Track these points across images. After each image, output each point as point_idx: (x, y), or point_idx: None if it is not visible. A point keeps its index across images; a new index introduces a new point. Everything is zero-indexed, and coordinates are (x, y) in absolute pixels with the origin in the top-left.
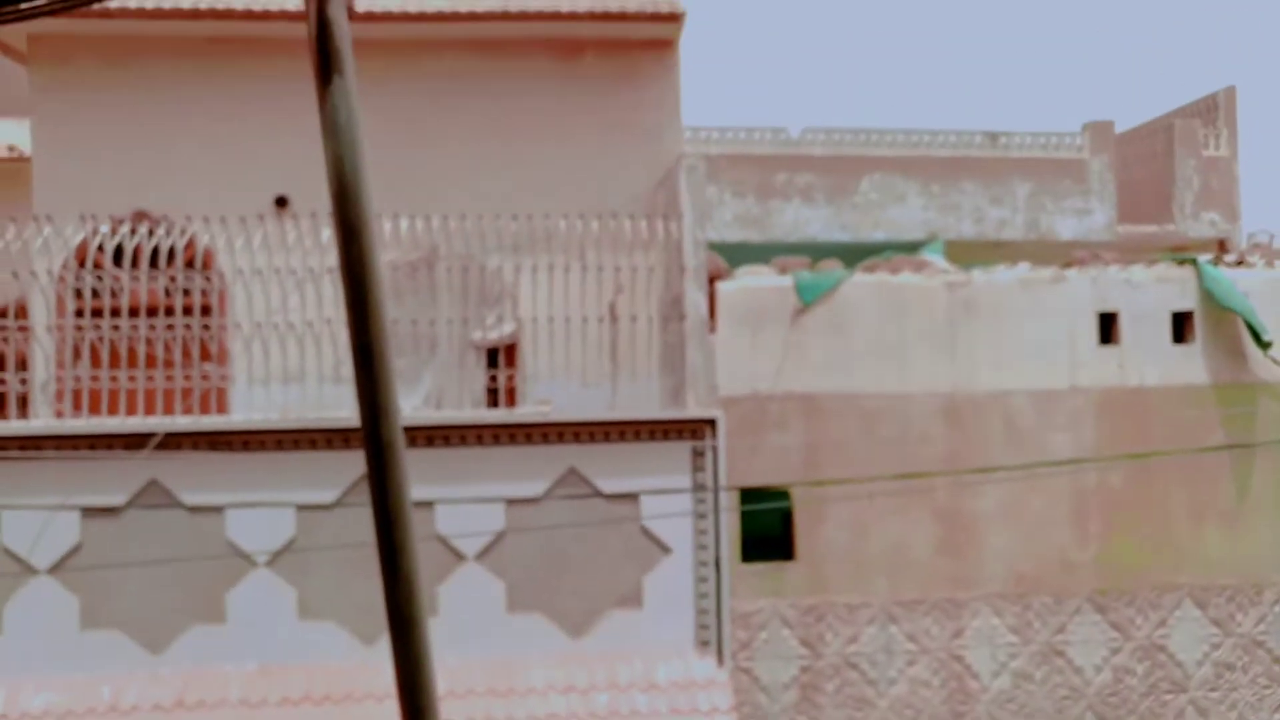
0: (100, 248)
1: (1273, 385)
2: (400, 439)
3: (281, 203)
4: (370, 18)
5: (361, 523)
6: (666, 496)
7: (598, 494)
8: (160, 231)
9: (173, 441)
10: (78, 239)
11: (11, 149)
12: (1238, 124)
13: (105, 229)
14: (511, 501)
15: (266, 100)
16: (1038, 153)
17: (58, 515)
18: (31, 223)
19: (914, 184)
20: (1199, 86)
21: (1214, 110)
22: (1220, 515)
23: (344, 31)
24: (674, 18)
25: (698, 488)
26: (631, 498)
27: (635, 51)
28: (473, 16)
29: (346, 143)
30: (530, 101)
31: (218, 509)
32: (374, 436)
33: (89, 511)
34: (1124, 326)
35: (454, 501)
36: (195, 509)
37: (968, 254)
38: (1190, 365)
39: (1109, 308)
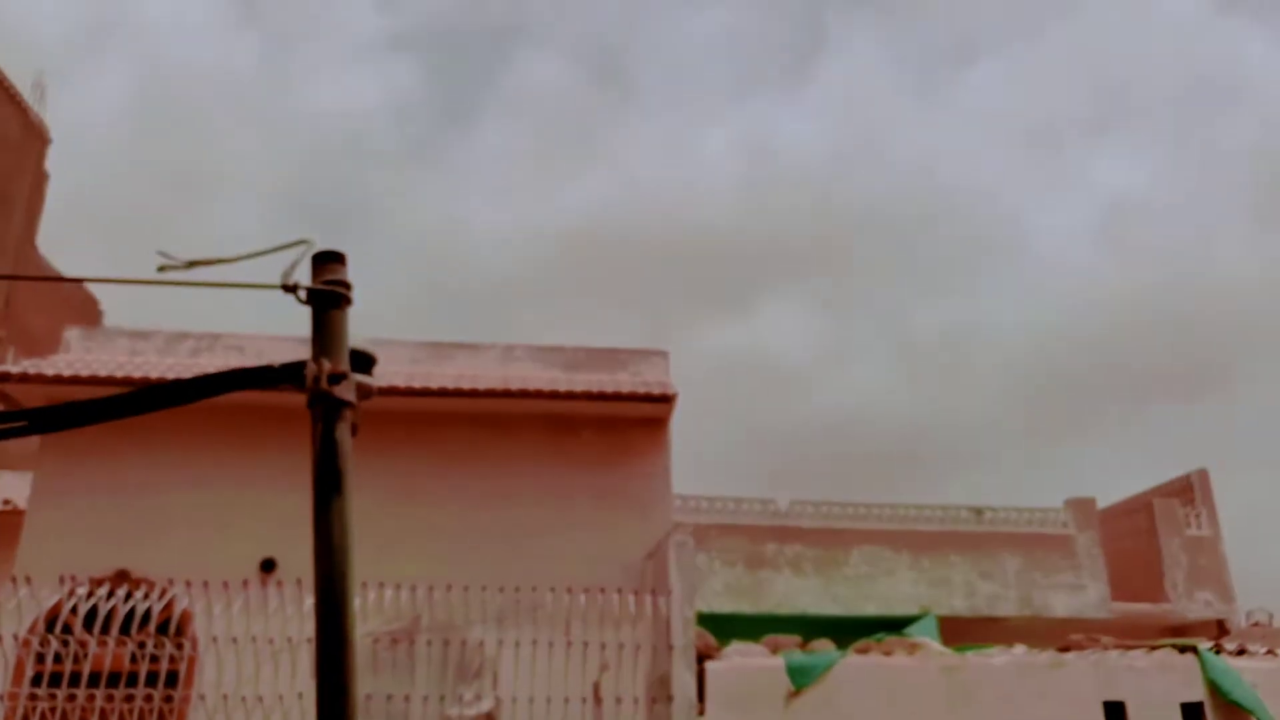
0: (73, 610)
1: None
2: None
3: (268, 566)
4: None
5: None
6: None
7: None
8: (138, 594)
9: None
10: (51, 600)
11: (7, 502)
12: (1215, 504)
13: (82, 590)
14: None
15: (260, 463)
16: (1023, 528)
17: None
18: (8, 583)
19: (904, 557)
20: (1171, 467)
21: (1189, 490)
22: None
23: (347, 452)
24: (667, 399)
25: None
26: None
27: (629, 429)
28: (474, 393)
29: (338, 562)
30: (526, 473)
31: None
32: None
33: None
34: (1133, 718)
35: None
36: None
37: (962, 630)
38: None
39: (1115, 696)
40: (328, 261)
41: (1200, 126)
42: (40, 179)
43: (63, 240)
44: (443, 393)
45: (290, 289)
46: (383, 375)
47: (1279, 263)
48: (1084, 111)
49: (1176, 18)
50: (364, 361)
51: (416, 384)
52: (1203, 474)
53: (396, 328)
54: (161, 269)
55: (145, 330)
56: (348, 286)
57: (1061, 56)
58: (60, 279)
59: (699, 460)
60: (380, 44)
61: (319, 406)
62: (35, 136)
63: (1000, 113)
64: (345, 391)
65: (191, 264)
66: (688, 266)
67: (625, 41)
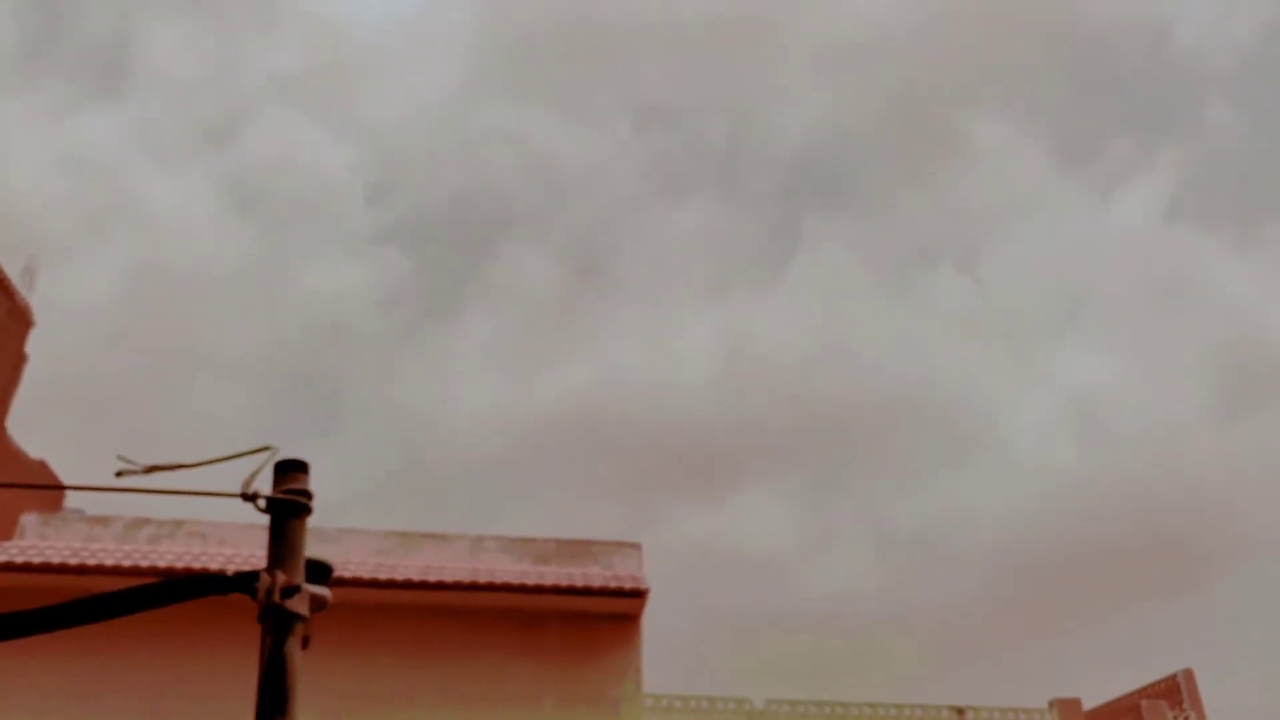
0: None
1: None
2: None
3: None
4: (337, 581)
5: None
6: None
7: None
8: None
9: None
10: None
11: None
12: (1203, 706)
13: None
14: None
15: (203, 657)
16: None
17: None
18: None
19: None
20: (1153, 662)
21: (1176, 691)
22: None
23: (296, 669)
24: (638, 594)
25: None
26: None
27: (599, 625)
28: (441, 585)
29: None
30: (492, 671)
31: None
32: None
33: None
34: None
35: None
36: None
37: None
38: None
39: None
40: (290, 470)
41: (1159, 324)
42: (19, 360)
43: (38, 421)
44: (408, 585)
45: (249, 498)
46: (347, 566)
47: (1244, 456)
48: (1050, 310)
49: (1128, 224)
50: (320, 572)
51: (382, 575)
52: (1189, 674)
53: (372, 510)
54: (120, 474)
55: (104, 516)
56: (308, 496)
57: (1026, 258)
58: (11, 485)
59: (671, 654)
60: (371, 235)
61: (270, 619)
62: (19, 320)
63: (969, 311)
64: (298, 605)
65: (151, 469)
66: (665, 457)
67: (608, 238)
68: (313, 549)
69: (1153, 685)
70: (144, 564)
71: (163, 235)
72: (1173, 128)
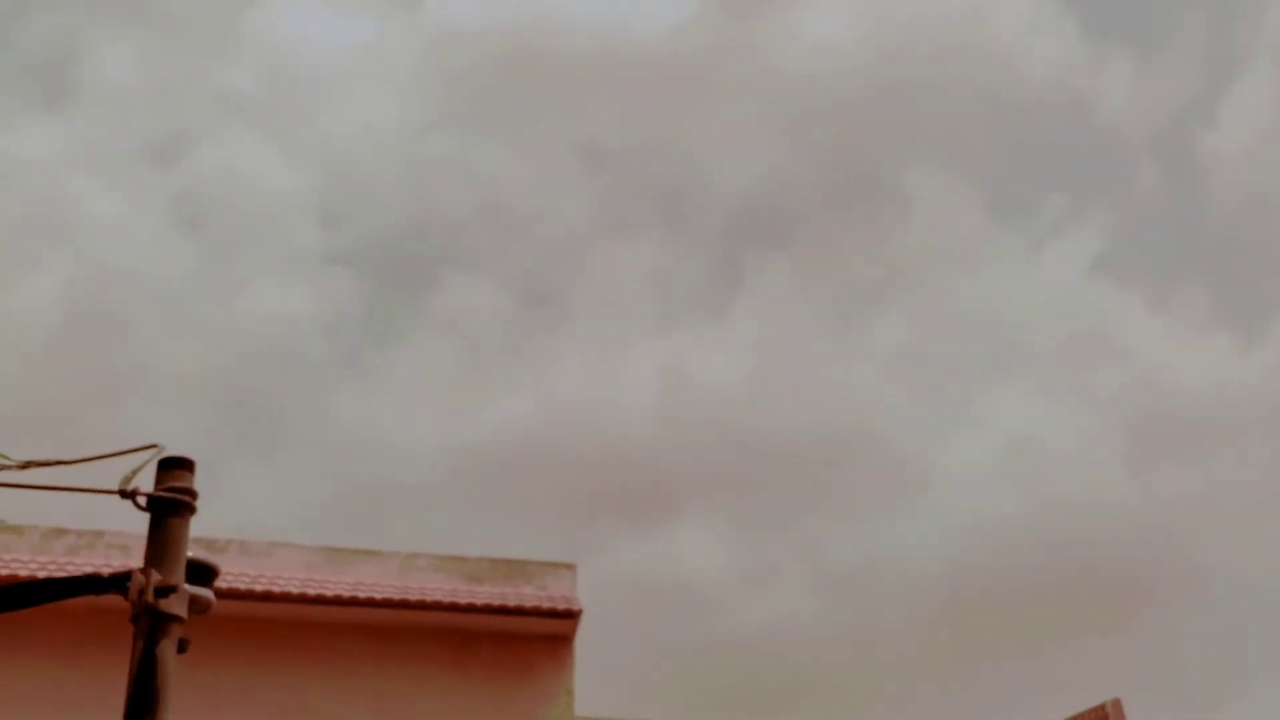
0: None
1: None
2: None
3: None
4: (267, 596)
5: None
6: None
7: None
8: None
9: None
10: None
11: None
12: None
13: None
14: None
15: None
16: None
17: None
18: None
19: None
20: (1083, 696)
21: (1105, 719)
22: None
23: (168, 672)
24: (571, 614)
25: None
26: None
27: (532, 646)
28: (370, 602)
29: None
30: (422, 691)
31: None
32: None
33: None
34: None
35: None
36: None
37: None
38: None
39: None
40: (174, 468)
41: (1081, 375)
42: None
43: None
44: (338, 601)
45: (128, 495)
46: (275, 581)
47: (1158, 501)
48: (981, 357)
49: (1057, 277)
50: (203, 573)
51: (311, 591)
52: (1116, 703)
53: (311, 532)
54: None
55: (19, 525)
56: (193, 495)
57: (960, 305)
58: None
59: (606, 679)
60: (319, 258)
61: (143, 620)
62: None
63: (905, 355)
64: (174, 605)
65: (27, 464)
66: (603, 486)
67: (555, 273)
68: (242, 563)
69: (1082, 715)
70: (59, 575)
71: (102, 251)
72: (1103, 189)
